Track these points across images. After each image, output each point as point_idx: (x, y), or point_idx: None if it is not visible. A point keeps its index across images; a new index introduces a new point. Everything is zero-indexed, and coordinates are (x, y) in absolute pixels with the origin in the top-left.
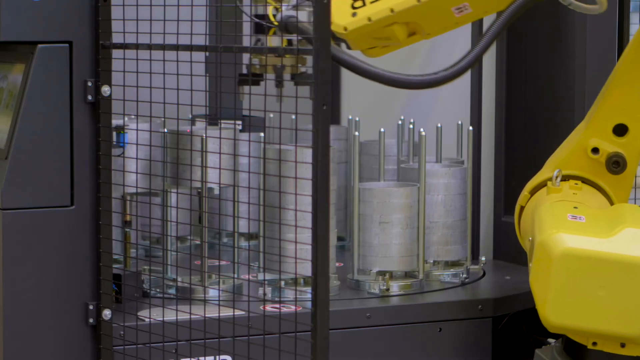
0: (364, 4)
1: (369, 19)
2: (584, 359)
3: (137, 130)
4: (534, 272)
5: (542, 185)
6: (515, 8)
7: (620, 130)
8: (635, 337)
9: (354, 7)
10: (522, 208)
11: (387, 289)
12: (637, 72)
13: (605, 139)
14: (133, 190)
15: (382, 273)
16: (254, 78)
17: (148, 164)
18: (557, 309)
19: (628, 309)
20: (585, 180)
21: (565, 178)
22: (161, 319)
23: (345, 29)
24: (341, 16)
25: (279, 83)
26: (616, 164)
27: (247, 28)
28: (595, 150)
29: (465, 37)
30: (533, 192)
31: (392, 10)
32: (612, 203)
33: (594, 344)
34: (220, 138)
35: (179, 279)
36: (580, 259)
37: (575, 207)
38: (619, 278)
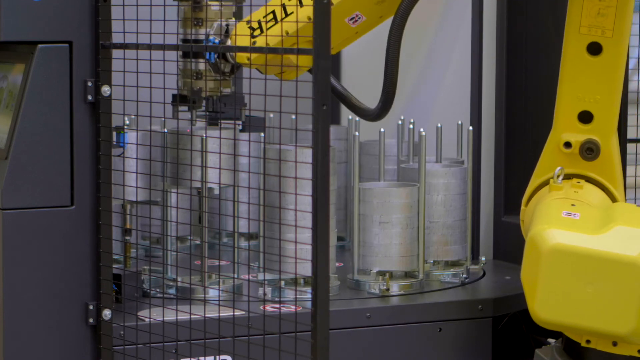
0: (262, 31)
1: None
2: (584, 359)
3: (137, 130)
4: (524, 267)
5: (534, 194)
6: (405, 8)
7: (585, 117)
8: (623, 335)
9: (252, 36)
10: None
11: (387, 289)
12: (580, 59)
13: (574, 131)
14: (133, 197)
15: (382, 273)
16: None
17: (148, 164)
18: (545, 304)
19: (616, 307)
20: (589, 179)
21: (568, 177)
22: (161, 319)
23: (248, 59)
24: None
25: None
26: (590, 151)
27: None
28: (567, 145)
29: (465, 37)
30: (527, 203)
31: (287, 33)
32: (614, 200)
33: (588, 342)
34: (220, 138)
35: (179, 279)
36: (569, 254)
37: (572, 205)
38: (607, 275)
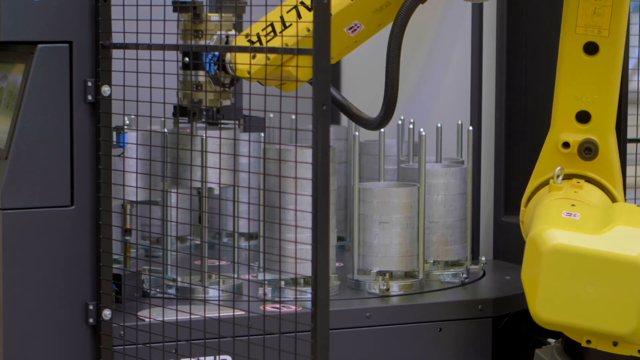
0: (261, 44)
1: (268, 59)
2: (584, 359)
3: (137, 130)
4: (525, 267)
5: (533, 194)
6: (404, 16)
7: (583, 117)
8: (624, 335)
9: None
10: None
11: (387, 289)
12: (576, 59)
13: (572, 131)
14: (133, 197)
15: (382, 273)
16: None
17: (148, 164)
18: (546, 304)
19: (617, 307)
20: (588, 179)
21: (567, 177)
22: (161, 319)
23: (249, 72)
24: (243, 59)
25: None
26: (588, 150)
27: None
28: (565, 145)
29: (465, 37)
30: (527, 204)
31: (287, 45)
32: (614, 200)
33: (588, 342)
34: (220, 138)
35: (179, 279)
36: (570, 255)
37: (572, 205)
38: (608, 275)
